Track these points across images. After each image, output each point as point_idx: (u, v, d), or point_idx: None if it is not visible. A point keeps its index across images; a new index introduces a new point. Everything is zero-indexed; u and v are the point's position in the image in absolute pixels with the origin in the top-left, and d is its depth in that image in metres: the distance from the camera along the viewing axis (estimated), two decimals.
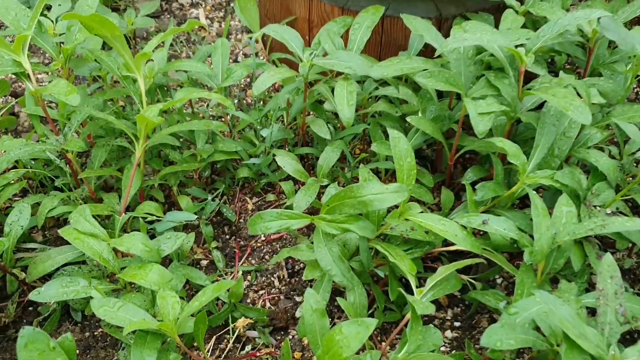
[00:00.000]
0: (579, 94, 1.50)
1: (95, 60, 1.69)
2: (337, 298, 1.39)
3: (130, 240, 1.40)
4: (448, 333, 1.62)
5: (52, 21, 1.87)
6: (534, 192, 1.39)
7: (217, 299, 1.61)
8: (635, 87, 2.35)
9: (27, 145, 1.59)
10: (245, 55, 2.52)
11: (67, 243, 1.42)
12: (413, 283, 1.30)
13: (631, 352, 1.11)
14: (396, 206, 1.36)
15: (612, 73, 1.76)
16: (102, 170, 1.68)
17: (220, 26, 2.67)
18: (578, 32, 1.73)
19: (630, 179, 1.81)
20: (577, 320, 1.11)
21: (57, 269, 1.51)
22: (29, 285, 1.59)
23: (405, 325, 1.29)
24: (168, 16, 2.72)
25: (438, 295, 1.36)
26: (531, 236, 1.38)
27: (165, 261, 1.70)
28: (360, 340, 1.08)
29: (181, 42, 2.57)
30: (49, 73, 2.30)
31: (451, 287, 1.39)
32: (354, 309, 1.41)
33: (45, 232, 1.83)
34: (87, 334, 1.60)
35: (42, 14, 1.81)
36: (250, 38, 2.21)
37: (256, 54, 2.46)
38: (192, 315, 1.34)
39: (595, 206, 1.51)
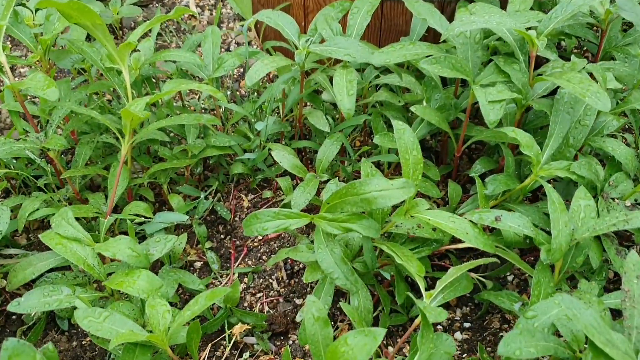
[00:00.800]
0: (594, 79, 1.41)
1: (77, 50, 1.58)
2: (341, 303, 1.29)
3: (116, 245, 1.30)
4: (457, 335, 1.53)
5: (31, 11, 1.76)
6: (550, 185, 1.29)
7: (213, 304, 1.52)
8: None
9: (6, 143, 1.48)
10: (238, 45, 2.41)
11: (49, 247, 1.32)
12: (422, 286, 1.21)
13: None
14: (402, 203, 1.26)
15: (625, 56, 1.67)
16: (86, 169, 1.58)
17: (211, 14, 2.56)
18: (589, 13, 1.63)
19: None
20: (602, 326, 1.02)
21: (40, 275, 1.40)
22: (11, 292, 1.50)
23: (415, 330, 1.20)
24: (157, 5, 2.60)
25: (449, 298, 1.26)
26: (546, 232, 1.29)
27: (157, 264, 1.61)
28: (368, 353, 0.99)
29: (170, 31, 2.46)
30: (32, 67, 2.19)
31: (462, 288, 1.30)
32: (358, 314, 1.32)
33: (30, 235, 1.73)
34: (74, 343, 1.50)
35: (20, 4, 1.70)
36: (243, 26, 2.10)
37: (249, 43, 2.35)
38: (187, 323, 1.24)
39: (613, 198, 1.41)
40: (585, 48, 2.21)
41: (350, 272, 1.31)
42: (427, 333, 1.10)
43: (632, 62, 1.64)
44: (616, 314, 1.45)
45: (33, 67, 1.78)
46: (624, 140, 1.73)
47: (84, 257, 1.29)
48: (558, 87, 1.44)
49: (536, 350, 1.06)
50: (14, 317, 1.55)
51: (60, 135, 1.69)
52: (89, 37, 1.68)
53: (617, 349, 1.00)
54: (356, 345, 1.00)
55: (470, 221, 1.27)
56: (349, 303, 1.38)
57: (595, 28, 1.73)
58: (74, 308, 1.24)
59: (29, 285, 1.49)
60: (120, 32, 2.41)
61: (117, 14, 2.07)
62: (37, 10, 1.80)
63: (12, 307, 1.24)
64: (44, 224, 1.76)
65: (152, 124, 1.52)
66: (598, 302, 1.17)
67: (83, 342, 1.50)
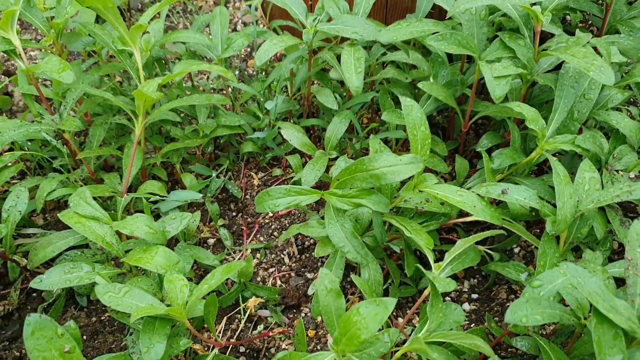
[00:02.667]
0: (598, 53, 1.43)
1: (89, 34, 1.61)
2: (352, 276, 1.33)
3: (133, 222, 1.34)
4: (466, 306, 1.57)
5: None
6: (555, 158, 1.32)
7: (227, 278, 1.56)
8: None
9: (22, 126, 1.52)
10: (245, 24, 2.43)
11: (68, 226, 1.36)
12: (431, 258, 1.25)
13: None
14: (410, 178, 1.29)
15: (630, 30, 1.68)
16: (101, 150, 1.61)
17: None
18: None
19: None
20: (606, 293, 1.06)
21: (60, 254, 1.45)
22: (32, 271, 1.54)
23: (424, 301, 1.24)
24: None
25: (457, 270, 1.30)
26: (552, 204, 1.32)
27: (172, 241, 1.65)
28: (379, 322, 1.03)
29: (178, 12, 2.48)
30: (42, 50, 2.22)
31: (470, 260, 1.33)
32: (369, 286, 1.36)
33: (46, 215, 1.78)
34: (93, 319, 1.55)
35: None
36: (250, 6, 2.12)
37: (256, 22, 2.36)
38: (203, 298, 1.28)
39: (617, 170, 1.44)
40: (590, 22, 2.21)
41: (361, 245, 1.34)
42: (437, 303, 1.14)
43: (637, 35, 1.65)
44: (620, 282, 1.49)
45: (44, 50, 1.81)
46: (628, 113, 1.74)
47: (103, 235, 1.33)
48: (563, 61, 1.46)
49: (542, 317, 1.10)
50: (34, 294, 1.60)
51: (74, 116, 1.72)
52: (97, 20, 1.70)
53: (621, 315, 1.04)
54: (368, 314, 1.03)
55: (478, 194, 1.30)
56: (359, 276, 1.42)
57: (600, 2, 1.74)
58: (93, 285, 1.28)
59: (48, 264, 1.54)
60: (128, 13, 2.43)
61: None
62: None
63: (34, 283, 1.29)
64: (59, 204, 1.80)
65: (164, 105, 1.55)
66: (602, 271, 1.21)
67: (102, 318, 1.55)
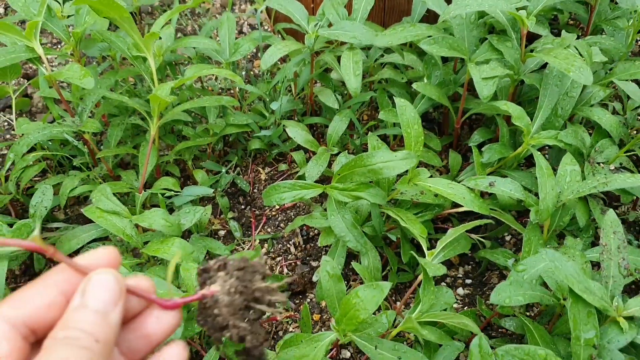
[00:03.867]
0: (580, 54, 1.53)
1: (105, 41, 1.72)
2: (352, 262, 1.45)
3: (151, 216, 1.46)
4: (460, 290, 1.68)
5: (59, 3, 1.90)
6: (539, 152, 1.43)
7: None
8: (639, 41, 2.36)
9: (46, 127, 1.63)
10: (250, 26, 2.54)
11: (88, 220, 1.48)
12: (424, 245, 1.36)
13: (634, 302, 1.17)
14: (405, 172, 1.40)
15: (614, 29, 1.78)
16: (118, 149, 1.73)
17: None
18: None
19: (635, 132, 1.84)
20: (581, 275, 1.17)
21: (83, 246, 1.57)
22: (56, 262, 1.66)
23: (419, 285, 1.35)
24: None
25: (449, 256, 1.41)
26: (537, 195, 1.43)
27: (185, 233, 1.77)
28: (376, 303, 1.14)
29: (186, 15, 2.59)
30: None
31: (461, 247, 1.45)
32: (368, 272, 1.47)
33: (67, 210, 1.90)
34: None
35: None
36: (255, 9, 2.22)
37: (260, 24, 2.47)
38: None
39: (599, 163, 1.55)
40: (579, 21, 2.31)
41: (360, 235, 1.46)
42: (429, 286, 1.26)
43: (620, 34, 1.75)
44: (598, 267, 1.60)
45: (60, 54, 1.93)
46: (613, 109, 1.85)
47: (123, 228, 1.45)
48: None
49: (524, 298, 1.21)
50: None
51: (92, 118, 1.84)
52: (110, 26, 1.81)
53: (594, 295, 1.15)
54: (366, 297, 1.15)
55: (467, 187, 1.41)
56: (360, 264, 1.54)
57: (586, 3, 1.83)
58: None
59: (71, 256, 1.66)
60: (139, 16, 2.54)
61: (136, 1, 2.20)
62: (64, 1, 1.94)
63: None
64: (79, 200, 1.92)
65: (176, 107, 1.67)
66: (580, 256, 1.32)
67: None
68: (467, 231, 1.62)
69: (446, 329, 1.38)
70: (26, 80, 2.31)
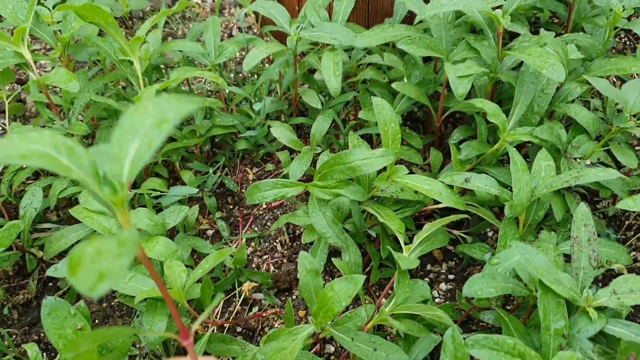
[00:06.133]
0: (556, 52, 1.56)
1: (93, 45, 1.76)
2: (333, 259, 1.48)
3: (136, 216, 1.50)
4: (443, 285, 1.71)
5: (48, 9, 1.94)
6: (514, 148, 1.46)
7: (224, 266, 1.72)
8: (623, 37, 2.38)
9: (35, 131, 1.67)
10: (240, 29, 2.58)
11: (80, 222, 1.52)
12: (402, 240, 1.39)
13: (603, 293, 1.19)
14: (384, 169, 1.44)
15: (593, 27, 1.81)
16: None
17: (213, 1, 2.72)
18: None
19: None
20: (551, 267, 1.20)
21: (71, 246, 1.61)
22: (47, 262, 1.70)
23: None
24: None
25: (426, 251, 1.44)
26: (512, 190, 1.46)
27: (173, 233, 1.80)
28: (350, 296, 1.18)
29: (176, 19, 2.63)
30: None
31: (439, 242, 1.48)
32: (349, 268, 1.50)
33: (59, 212, 1.94)
34: (104, 304, 1.71)
35: (38, 3, 1.88)
36: (245, 13, 2.26)
37: (249, 27, 2.51)
38: (199, 282, 1.44)
39: (575, 158, 1.58)
40: (561, 20, 2.34)
41: (341, 231, 1.49)
42: (403, 279, 1.29)
43: (598, 32, 1.78)
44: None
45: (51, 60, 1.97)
46: (593, 106, 1.87)
47: (109, 227, 1.49)
48: None
49: (495, 290, 1.24)
50: (50, 284, 1.76)
51: (81, 121, 1.88)
52: (101, 31, 1.85)
53: (563, 286, 1.18)
54: (340, 289, 1.18)
55: (444, 183, 1.44)
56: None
57: (565, 1, 1.86)
58: None
59: (62, 255, 1.70)
60: (130, 22, 2.59)
61: (127, 6, 2.24)
62: (54, 6, 1.98)
63: (50, 272, 1.44)
64: (71, 202, 1.96)
65: None
66: (554, 249, 1.35)
67: (112, 303, 1.71)
68: (449, 227, 1.66)
69: (425, 322, 1.41)
70: (19, 86, 2.35)
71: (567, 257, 1.42)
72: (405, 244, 1.40)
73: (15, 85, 2.38)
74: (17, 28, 1.55)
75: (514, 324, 1.32)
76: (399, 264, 1.23)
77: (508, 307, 1.59)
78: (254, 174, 2.02)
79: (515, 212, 1.38)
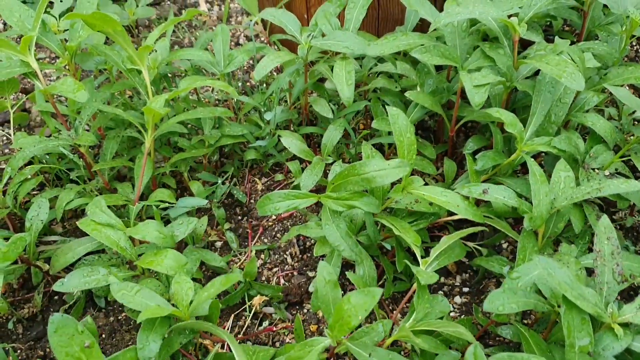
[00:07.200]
0: (572, 60, 1.53)
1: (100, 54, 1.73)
2: (347, 272, 1.45)
3: (145, 228, 1.46)
4: (457, 299, 1.68)
5: (55, 18, 1.92)
6: (532, 159, 1.43)
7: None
8: (635, 45, 2.36)
9: (41, 141, 1.64)
10: (247, 38, 2.55)
11: (85, 233, 1.48)
12: (418, 254, 1.36)
13: (629, 308, 1.16)
14: (399, 180, 1.40)
15: (608, 35, 1.78)
16: (114, 162, 1.74)
17: (220, 9, 2.70)
18: None
19: (631, 137, 1.84)
20: (575, 282, 1.16)
21: (79, 259, 1.57)
22: (53, 275, 1.67)
23: (414, 293, 1.35)
24: (168, 3, 2.74)
25: (443, 264, 1.41)
26: (531, 202, 1.42)
27: (182, 245, 1.77)
28: (367, 309, 1.14)
29: (183, 27, 2.60)
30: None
31: (455, 255, 1.44)
32: (363, 282, 1.47)
33: (65, 224, 1.90)
34: (111, 318, 1.67)
35: (45, 12, 1.85)
36: (251, 21, 2.24)
37: (257, 36, 2.49)
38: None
39: (593, 169, 1.54)
40: (574, 27, 2.31)
41: (355, 244, 1.46)
42: (423, 294, 1.25)
43: (613, 40, 1.75)
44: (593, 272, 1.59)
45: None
46: (609, 114, 1.84)
47: (117, 240, 1.45)
48: None
49: (517, 305, 1.21)
50: (56, 297, 1.72)
51: (88, 131, 1.85)
52: (107, 39, 1.83)
53: (588, 302, 1.14)
54: (357, 303, 1.15)
55: (461, 194, 1.41)
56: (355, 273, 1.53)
57: (579, 9, 1.83)
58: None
59: (68, 269, 1.66)
60: (136, 30, 2.56)
61: (133, 15, 2.22)
62: (60, 15, 1.95)
63: (57, 286, 1.41)
64: (77, 213, 1.92)
65: (171, 119, 1.68)
66: (575, 263, 1.31)
67: (119, 317, 1.67)
68: (463, 239, 1.62)
69: (442, 338, 1.37)
70: (24, 95, 2.32)
71: (588, 270, 1.39)
72: (422, 257, 1.36)
73: (20, 94, 2.35)
74: (23, 37, 1.52)
75: (534, 340, 1.28)
76: (419, 279, 1.19)
77: (526, 322, 1.56)
78: (263, 184, 1.99)
79: (535, 225, 1.34)
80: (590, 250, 1.62)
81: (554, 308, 1.24)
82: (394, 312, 1.64)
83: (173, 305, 1.34)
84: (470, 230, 1.40)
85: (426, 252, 1.62)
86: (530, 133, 1.52)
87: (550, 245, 1.48)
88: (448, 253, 1.43)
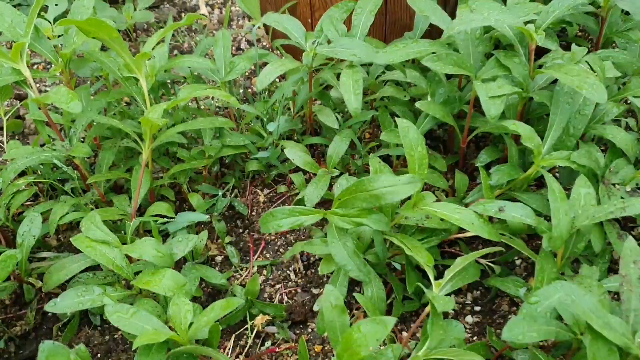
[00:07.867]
0: (592, 69, 1.45)
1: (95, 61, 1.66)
2: (355, 294, 1.37)
3: (142, 246, 1.39)
4: (469, 318, 1.60)
5: (49, 22, 1.84)
6: (550, 174, 1.35)
7: (234, 296, 1.61)
8: None
9: (34, 152, 1.57)
10: (248, 42, 2.47)
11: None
12: (431, 275, 1.28)
13: None
14: (409, 196, 1.33)
15: (626, 42, 1.71)
16: (110, 174, 1.66)
17: (221, 13, 2.62)
18: (589, 1, 1.67)
19: None
20: (600, 310, 1.09)
21: (73, 276, 1.50)
22: (46, 293, 1.60)
23: (427, 315, 1.27)
24: (167, 6, 2.67)
25: (457, 286, 1.34)
26: (548, 219, 1.35)
27: (180, 260, 1.69)
28: (378, 340, 1.07)
29: (182, 32, 2.53)
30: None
31: (470, 276, 1.37)
32: (371, 304, 1.39)
33: (59, 236, 1.83)
34: (107, 337, 1.60)
35: (38, 16, 1.78)
36: (253, 25, 2.16)
37: (258, 40, 2.41)
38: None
39: (614, 184, 1.47)
40: (588, 34, 2.23)
41: (363, 264, 1.38)
42: (437, 321, 1.18)
43: (632, 47, 1.68)
44: (617, 296, 1.51)
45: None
46: (627, 125, 1.77)
47: (113, 258, 1.38)
48: None
49: (538, 334, 1.13)
50: (49, 314, 1.65)
51: (83, 141, 1.78)
52: (103, 46, 1.75)
53: (615, 332, 1.07)
54: (368, 332, 1.07)
55: (475, 212, 1.33)
56: (362, 294, 1.46)
57: (596, 15, 1.76)
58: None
59: (62, 285, 1.59)
60: (134, 34, 2.49)
61: (131, 18, 2.14)
62: (55, 19, 1.88)
63: (48, 307, 1.34)
64: (72, 226, 1.85)
65: (170, 129, 1.60)
66: (598, 286, 1.23)
67: (115, 336, 1.60)
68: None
69: None
70: (18, 101, 2.25)
71: (610, 292, 1.31)
72: (435, 278, 1.29)
73: (14, 100, 2.27)
74: (15, 43, 1.45)
75: None
76: (435, 306, 1.11)
77: (542, 344, 1.48)
78: (265, 196, 1.91)
79: (554, 246, 1.27)
80: (610, 270, 1.55)
81: (577, 336, 1.17)
82: (403, 333, 1.57)
83: (171, 328, 1.26)
84: (487, 250, 1.32)
85: (436, 269, 1.54)
86: (548, 147, 1.45)
87: (569, 266, 1.41)
88: (462, 274, 1.35)
